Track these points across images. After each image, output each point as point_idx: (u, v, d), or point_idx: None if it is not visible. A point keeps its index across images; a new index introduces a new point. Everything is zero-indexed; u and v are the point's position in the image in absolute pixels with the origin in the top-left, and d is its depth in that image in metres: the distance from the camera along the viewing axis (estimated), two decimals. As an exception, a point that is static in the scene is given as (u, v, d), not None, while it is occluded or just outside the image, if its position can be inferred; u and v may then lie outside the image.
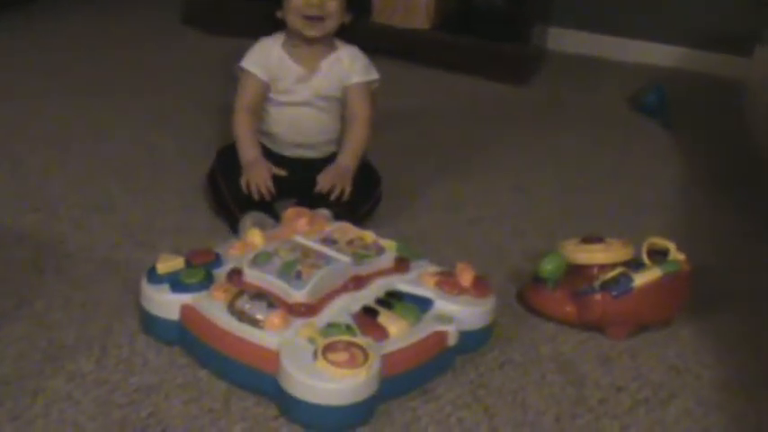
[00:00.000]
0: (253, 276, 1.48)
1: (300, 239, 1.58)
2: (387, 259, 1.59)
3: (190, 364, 1.45)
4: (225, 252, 1.59)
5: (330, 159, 1.97)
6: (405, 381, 1.42)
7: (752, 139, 2.29)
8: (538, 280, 1.67)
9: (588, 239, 1.70)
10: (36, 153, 2.16)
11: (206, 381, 1.42)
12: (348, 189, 1.87)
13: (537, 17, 3.19)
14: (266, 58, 1.95)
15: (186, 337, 1.47)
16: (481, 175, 2.30)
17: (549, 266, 1.64)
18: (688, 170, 2.50)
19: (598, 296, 1.61)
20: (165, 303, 1.48)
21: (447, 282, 1.55)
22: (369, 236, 1.64)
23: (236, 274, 1.50)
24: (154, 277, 1.51)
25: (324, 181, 1.88)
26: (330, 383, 1.31)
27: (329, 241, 1.59)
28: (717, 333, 1.69)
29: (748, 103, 2.31)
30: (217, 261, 1.56)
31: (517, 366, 1.53)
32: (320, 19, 1.89)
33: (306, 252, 1.53)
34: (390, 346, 1.40)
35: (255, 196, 1.85)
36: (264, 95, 1.97)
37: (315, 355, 1.33)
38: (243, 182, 1.86)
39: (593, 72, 3.32)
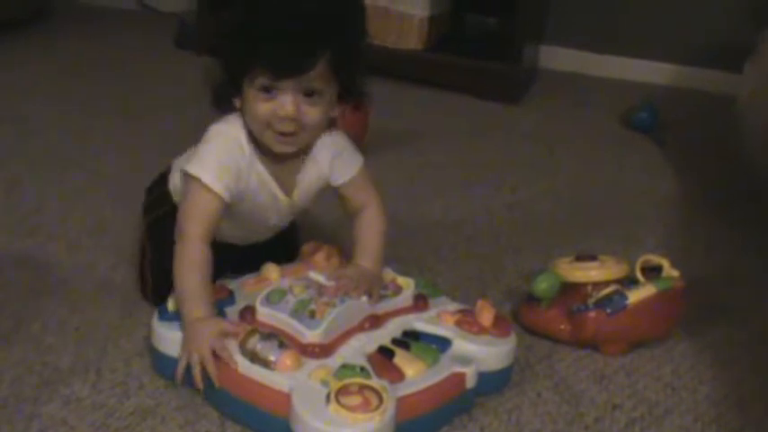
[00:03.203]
0: (265, 315, 1.44)
1: (315, 276, 1.53)
2: (405, 298, 1.55)
3: (184, 388, 1.44)
4: (239, 288, 1.54)
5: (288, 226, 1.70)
6: (421, 425, 1.37)
7: (743, 154, 2.30)
8: (532, 298, 1.67)
9: (582, 257, 1.71)
10: (32, 175, 2.16)
11: (202, 404, 1.41)
12: (376, 295, 1.51)
13: (528, 36, 3.20)
14: (239, 178, 1.48)
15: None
16: (476, 194, 2.31)
17: (542, 285, 1.64)
18: (681, 186, 2.51)
19: (592, 314, 1.61)
20: (176, 342, 1.43)
21: (466, 321, 1.50)
22: (387, 273, 1.60)
23: (248, 311, 1.46)
24: (164, 315, 1.47)
25: (338, 285, 1.49)
26: (343, 429, 1.26)
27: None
28: (712, 349, 1.69)
29: (739, 119, 2.32)
30: (230, 298, 1.52)
31: (513, 385, 1.52)
32: (296, 134, 1.46)
33: (321, 289, 1.48)
34: (406, 388, 1.35)
35: (195, 378, 1.37)
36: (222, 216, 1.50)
37: (327, 398, 1.29)
38: (182, 357, 1.39)
39: (585, 90, 3.33)
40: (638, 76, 3.43)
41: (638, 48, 3.45)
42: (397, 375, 1.36)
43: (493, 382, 1.49)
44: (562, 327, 1.64)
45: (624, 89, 3.33)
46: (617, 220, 2.23)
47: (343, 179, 1.59)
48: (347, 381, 1.32)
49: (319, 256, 1.62)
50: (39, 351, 1.51)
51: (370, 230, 1.60)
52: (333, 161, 1.57)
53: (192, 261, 1.44)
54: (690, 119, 3.08)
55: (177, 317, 1.45)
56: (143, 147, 2.37)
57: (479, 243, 2.04)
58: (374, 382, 1.33)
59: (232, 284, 1.56)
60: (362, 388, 1.31)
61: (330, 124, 1.55)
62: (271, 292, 1.48)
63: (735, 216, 2.30)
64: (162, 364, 1.47)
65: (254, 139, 1.49)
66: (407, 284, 1.57)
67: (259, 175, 1.51)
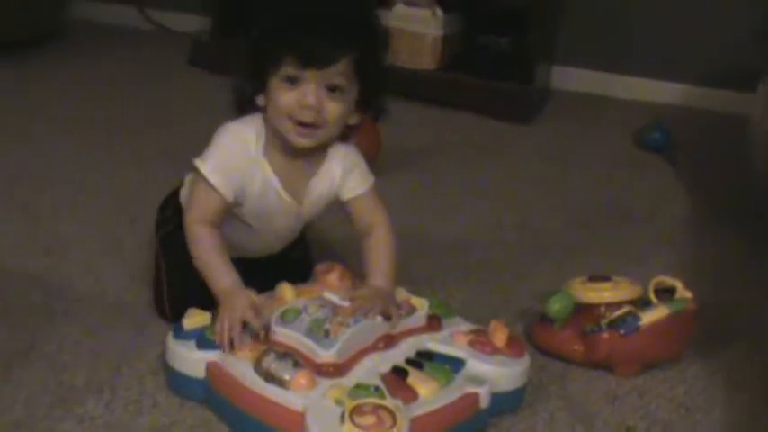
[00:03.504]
0: (280, 334, 1.44)
1: (330, 296, 1.52)
2: (418, 318, 1.54)
3: (199, 404, 1.45)
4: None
5: (298, 239, 1.73)
6: (434, 445, 1.37)
7: (756, 174, 2.31)
8: (545, 319, 1.67)
9: (595, 278, 1.71)
10: (46, 195, 2.18)
11: (217, 421, 1.41)
12: (394, 315, 1.50)
13: (541, 56, 3.21)
14: (242, 177, 1.52)
15: (211, 396, 1.43)
16: (489, 214, 2.31)
17: (556, 306, 1.64)
18: (694, 207, 2.51)
19: (605, 335, 1.61)
20: (191, 360, 1.44)
21: (480, 341, 1.50)
22: (401, 292, 1.59)
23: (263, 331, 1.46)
24: (180, 333, 1.47)
25: (353, 306, 1.48)
26: (357, 448, 1.27)
27: None
28: (725, 370, 1.69)
29: (752, 140, 2.32)
30: None
31: (526, 405, 1.52)
32: (315, 127, 1.49)
33: (335, 309, 1.48)
34: (420, 408, 1.34)
35: (228, 345, 1.42)
36: (226, 214, 1.55)
37: (342, 417, 1.29)
38: (218, 323, 1.44)
39: (598, 110, 3.34)
40: (650, 96, 3.44)
41: (650, 68, 3.46)
42: (410, 395, 1.36)
43: (506, 403, 1.48)
44: (575, 347, 1.64)
45: (636, 109, 3.34)
46: (630, 241, 2.23)
47: (352, 194, 1.61)
48: (361, 400, 1.32)
49: (333, 276, 1.63)
50: (53, 370, 1.51)
51: (380, 251, 1.61)
52: (345, 175, 1.60)
53: (203, 240, 1.51)
54: (702, 139, 3.08)
55: (192, 335, 1.46)
56: (157, 166, 2.38)
57: (492, 263, 2.04)
58: (388, 401, 1.32)
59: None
60: (376, 407, 1.31)
61: (346, 136, 1.59)
62: (285, 312, 1.48)
63: (748, 237, 2.30)
64: (177, 383, 1.47)
65: (268, 139, 1.53)
66: (421, 304, 1.57)
67: (265, 174, 1.54)
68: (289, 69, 1.46)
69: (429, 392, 1.37)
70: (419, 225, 2.17)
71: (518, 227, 2.26)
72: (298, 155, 1.54)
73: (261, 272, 1.62)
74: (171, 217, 1.69)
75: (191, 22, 3.67)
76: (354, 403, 1.31)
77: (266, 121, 1.53)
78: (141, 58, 3.47)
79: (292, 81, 1.46)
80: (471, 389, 1.42)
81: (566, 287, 1.70)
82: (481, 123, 3.03)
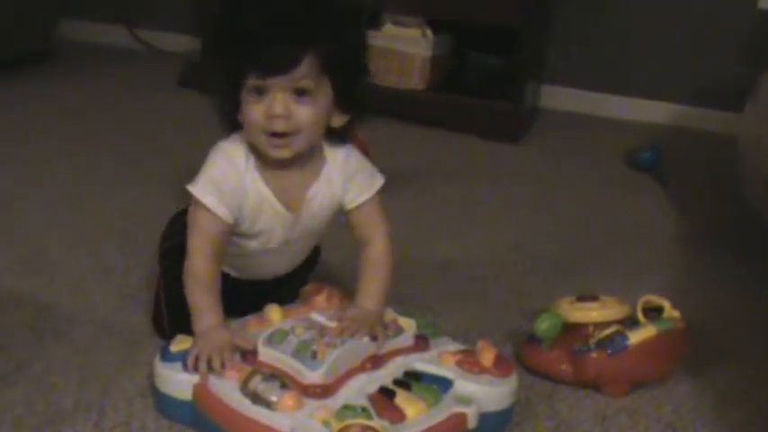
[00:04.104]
0: (267, 355, 1.44)
1: (317, 317, 1.53)
2: (406, 338, 1.54)
3: (187, 427, 1.44)
4: (241, 328, 1.54)
5: (307, 260, 1.72)
6: (422, 465, 1.37)
7: (745, 193, 2.31)
8: (533, 339, 1.67)
9: (583, 298, 1.71)
10: (35, 215, 2.18)
11: (204, 444, 1.42)
12: (381, 337, 1.49)
13: (530, 75, 3.23)
14: (236, 195, 1.50)
15: (199, 418, 1.42)
16: (478, 234, 2.32)
17: (543, 326, 1.64)
18: (683, 226, 2.52)
19: (593, 354, 1.61)
20: (178, 383, 1.43)
21: (467, 361, 1.49)
22: (388, 313, 1.59)
23: (250, 352, 1.46)
24: (167, 356, 1.47)
25: (341, 327, 1.49)
26: (344, 469, 1.26)
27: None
28: (713, 390, 1.69)
29: (740, 159, 2.34)
30: None
31: (514, 426, 1.52)
32: (289, 136, 1.46)
33: (323, 330, 1.48)
34: (408, 428, 1.33)
35: (201, 369, 1.42)
36: (228, 237, 1.54)
37: None
38: (191, 354, 1.43)
39: (587, 129, 3.35)
40: (640, 116, 3.45)
41: (639, 87, 3.48)
42: (398, 416, 1.36)
43: (494, 423, 1.48)
44: (563, 367, 1.64)
45: (625, 129, 3.35)
46: (619, 261, 2.24)
47: (353, 204, 1.58)
48: (348, 421, 1.31)
49: (320, 297, 1.63)
50: (41, 391, 1.50)
51: (375, 270, 1.59)
52: (345, 181, 1.57)
53: (197, 277, 1.49)
54: (692, 158, 3.09)
55: (180, 357, 1.45)
56: (147, 186, 2.38)
57: (480, 283, 2.05)
58: (375, 422, 1.32)
59: (234, 324, 1.56)
60: (364, 429, 1.30)
61: (342, 139, 1.56)
62: (273, 333, 1.48)
63: (738, 256, 2.30)
64: (165, 405, 1.46)
65: (256, 154, 1.51)
66: (408, 325, 1.57)
67: (258, 191, 1.51)
68: (253, 81, 1.44)
69: (416, 413, 1.37)
70: (408, 245, 2.17)
71: (507, 247, 2.26)
72: (289, 165, 1.52)
73: (276, 291, 1.64)
74: (177, 232, 1.64)
75: (181, 43, 3.68)
76: (342, 424, 1.30)
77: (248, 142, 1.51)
78: (131, 78, 3.47)
79: (259, 92, 1.44)
80: (459, 409, 1.41)
81: (554, 307, 1.70)
82: (471, 142, 3.04)
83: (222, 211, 1.48)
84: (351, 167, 1.57)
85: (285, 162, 1.51)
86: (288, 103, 1.44)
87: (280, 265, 1.67)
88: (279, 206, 1.53)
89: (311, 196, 1.55)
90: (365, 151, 2.08)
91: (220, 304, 1.50)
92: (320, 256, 1.80)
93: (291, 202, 1.55)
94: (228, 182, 1.50)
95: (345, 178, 1.56)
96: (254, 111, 1.45)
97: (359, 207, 1.58)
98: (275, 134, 1.45)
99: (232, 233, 1.54)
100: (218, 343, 1.43)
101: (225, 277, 1.57)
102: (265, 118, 1.44)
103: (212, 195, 1.48)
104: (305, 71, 1.43)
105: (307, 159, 1.53)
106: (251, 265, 1.63)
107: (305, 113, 1.45)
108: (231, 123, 1.52)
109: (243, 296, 1.61)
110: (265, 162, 1.51)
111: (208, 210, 1.48)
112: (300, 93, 1.44)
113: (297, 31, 1.44)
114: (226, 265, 1.59)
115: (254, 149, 1.50)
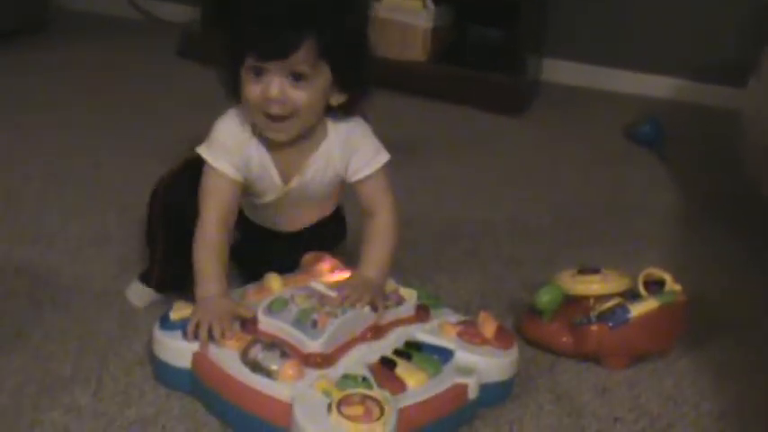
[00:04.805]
0: (267, 324, 1.44)
1: (318, 286, 1.52)
2: (407, 308, 1.54)
3: (186, 395, 1.44)
4: (240, 297, 1.54)
5: (329, 223, 1.73)
6: (422, 436, 1.37)
7: (747, 168, 2.31)
8: (534, 311, 1.67)
9: (585, 270, 1.71)
10: (32, 185, 2.16)
11: (203, 412, 1.41)
12: (381, 307, 1.49)
13: (531, 48, 3.21)
14: (243, 157, 1.53)
15: (198, 387, 1.42)
16: (478, 206, 2.31)
17: (545, 298, 1.64)
18: (683, 200, 2.51)
19: (594, 327, 1.61)
20: (177, 351, 1.43)
21: (468, 332, 1.49)
22: (389, 284, 1.58)
23: (250, 321, 1.45)
24: (166, 324, 1.47)
25: (342, 296, 1.48)
26: (344, 439, 1.27)
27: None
28: (714, 363, 1.69)
29: (742, 134, 2.33)
30: None
31: (514, 397, 1.52)
32: (285, 119, 1.48)
33: (323, 299, 1.48)
34: (408, 399, 1.34)
35: (202, 338, 1.42)
36: (240, 197, 1.57)
37: (329, 408, 1.28)
38: (191, 324, 1.43)
39: (588, 103, 3.34)
40: (641, 90, 3.43)
41: (641, 61, 3.45)
42: (398, 386, 1.36)
43: (495, 394, 1.48)
44: (564, 339, 1.64)
45: (626, 102, 3.34)
46: (619, 234, 2.23)
47: (356, 177, 1.58)
48: (349, 391, 1.31)
49: (321, 266, 1.62)
50: (40, 359, 1.50)
51: (379, 240, 1.59)
52: (345, 155, 1.57)
53: (207, 243, 1.50)
54: (693, 133, 3.08)
55: (179, 325, 1.45)
56: (145, 156, 2.36)
57: (481, 255, 2.04)
58: (376, 392, 1.32)
59: (234, 294, 1.55)
60: (364, 398, 1.30)
61: (348, 112, 1.56)
62: (273, 302, 1.47)
63: (737, 231, 2.30)
64: (164, 373, 1.46)
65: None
66: (410, 295, 1.57)
67: (261, 156, 1.54)
68: (252, 61, 1.45)
69: (417, 383, 1.37)
70: (408, 217, 2.16)
71: (508, 219, 2.26)
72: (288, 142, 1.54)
73: (293, 245, 1.67)
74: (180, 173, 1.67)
75: (180, 12, 3.65)
76: (342, 394, 1.31)
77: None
78: (129, 48, 3.45)
79: (257, 73, 1.46)
80: (460, 380, 1.41)
81: (555, 279, 1.70)
82: (471, 115, 3.02)
83: (233, 172, 1.52)
84: (353, 143, 1.57)
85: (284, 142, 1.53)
86: (284, 87, 1.45)
87: (285, 220, 1.68)
88: (275, 175, 1.56)
89: (306, 169, 1.57)
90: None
91: (225, 274, 1.51)
92: (345, 225, 1.80)
93: (288, 171, 1.57)
94: (236, 145, 1.52)
95: (346, 153, 1.57)
96: (253, 90, 1.46)
97: (361, 181, 1.58)
98: (272, 117, 1.47)
99: (244, 195, 1.58)
100: (219, 311, 1.44)
101: (252, 226, 1.65)
102: (262, 99, 1.46)
103: (223, 159, 1.52)
104: (303, 56, 1.44)
105: (306, 134, 1.54)
106: (259, 219, 1.67)
107: (301, 97, 1.46)
108: (234, 94, 1.52)
109: (273, 247, 1.68)
110: (269, 140, 1.54)
111: (220, 173, 1.51)
112: (297, 77, 1.45)
113: (296, 15, 1.43)
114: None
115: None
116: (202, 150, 1.53)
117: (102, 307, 1.68)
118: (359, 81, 1.53)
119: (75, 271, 1.80)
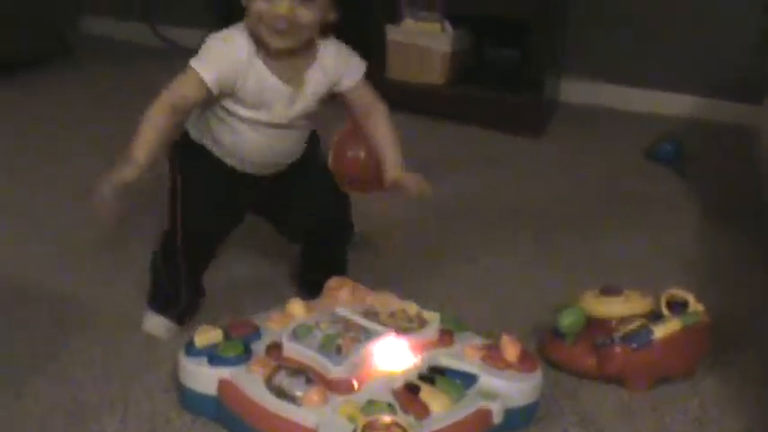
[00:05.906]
0: (292, 350, 1.45)
1: (342, 311, 1.53)
2: (430, 332, 1.54)
3: (211, 422, 1.45)
4: (264, 323, 1.55)
5: (296, 163, 1.76)
6: (446, 460, 1.36)
7: (764, 184, 2.31)
8: (557, 333, 1.67)
9: (607, 291, 1.70)
10: (58, 210, 2.18)
11: (228, 439, 1.42)
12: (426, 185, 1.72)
13: (549, 68, 3.21)
14: (234, 76, 1.58)
15: (224, 413, 1.43)
16: (500, 227, 2.31)
17: (567, 321, 1.64)
18: (705, 219, 2.50)
19: (618, 349, 1.61)
20: (203, 377, 1.45)
21: (492, 356, 1.50)
22: (412, 307, 1.58)
23: (275, 347, 1.47)
24: (192, 350, 1.48)
25: (404, 183, 1.71)
26: (369, 464, 1.27)
27: (371, 313, 1.54)
28: (738, 383, 1.68)
29: (761, 151, 2.32)
30: (256, 333, 1.52)
31: (538, 420, 1.52)
32: (290, 32, 1.56)
33: (347, 325, 1.49)
34: (432, 424, 1.35)
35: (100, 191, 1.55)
36: (198, 106, 1.65)
37: None
38: (103, 183, 1.55)
39: (607, 122, 3.33)
40: (658, 108, 3.43)
41: (659, 80, 3.45)
42: (422, 411, 1.36)
43: (519, 418, 1.48)
44: (588, 361, 1.63)
45: (644, 121, 3.33)
46: (641, 253, 2.23)
47: (348, 84, 1.69)
48: (374, 416, 1.32)
49: (344, 292, 1.63)
50: (66, 386, 1.52)
51: (388, 137, 1.73)
52: (338, 66, 1.67)
53: (148, 116, 1.59)
54: (712, 151, 3.07)
55: (205, 352, 1.46)
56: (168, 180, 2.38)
57: (504, 276, 2.04)
58: (400, 417, 1.33)
59: (258, 320, 1.57)
60: (389, 424, 1.31)
61: (326, 30, 1.64)
62: (298, 328, 1.48)
63: (758, 249, 2.29)
64: (189, 400, 1.47)
65: (257, 44, 1.58)
66: (433, 319, 1.57)
67: (260, 75, 1.59)
68: None
69: (441, 408, 1.38)
70: (429, 240, 2.17)
71: (530, 239, 2.25)
72: (285, 55, 1.60)
73: (281, 189, 1.75)
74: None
75: (200, 38, 3.67)
76: (367, 419, 1.31)
77: (248, 27, 1.58)
78: (152, 75, 3.45)
79: None
80: (484, 404, 1.41)
81: (577, 301, 1.69)
82: (490, 137, 3.02)
83: (208, 77, 1.57)
84: (343, 54, 1.68)
85: (283, 51, 1.59)
86: (293, 5, 1.53)
87: (280, 152, 1.72)
88: (281, 84, 1.61)
89: (308, 78, 1.64)
90: (356, 168, 2.08)
91: (156, 150, 1.57)
92: (351, 227, 1.87)
93: (289, 80, 1.63)
94: (228, 62, 1.58)
95: (339, 63, 1.67)
96: (261, 5, 1.53)
97: (356, 86, 1.70)
98: (277, 30, 1.54)
99: (207, 106, 1.63)
100: (118, 175, 1.53)
101: (228, 172, 1.69)
102: (268, 14, 1.53)
103: (206, 68, 1.57)
104: None
105: (304, 48, 1.62)
106: (246, 149, 1.68)
107: (307, 16, 1.55)
108: (227, 10, 1.61)
109: (247, 192, 1.72)
110: (267, 51, 1.59)
111: (195, 72, 1.57)
112: None
113: None
114: (225, 153, 1.68)
115: (256, 38, 1.58)
116: (192, 59, 1.59)
117: (127, 331, 1.69)
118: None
119: (98, 295, 1.82)
